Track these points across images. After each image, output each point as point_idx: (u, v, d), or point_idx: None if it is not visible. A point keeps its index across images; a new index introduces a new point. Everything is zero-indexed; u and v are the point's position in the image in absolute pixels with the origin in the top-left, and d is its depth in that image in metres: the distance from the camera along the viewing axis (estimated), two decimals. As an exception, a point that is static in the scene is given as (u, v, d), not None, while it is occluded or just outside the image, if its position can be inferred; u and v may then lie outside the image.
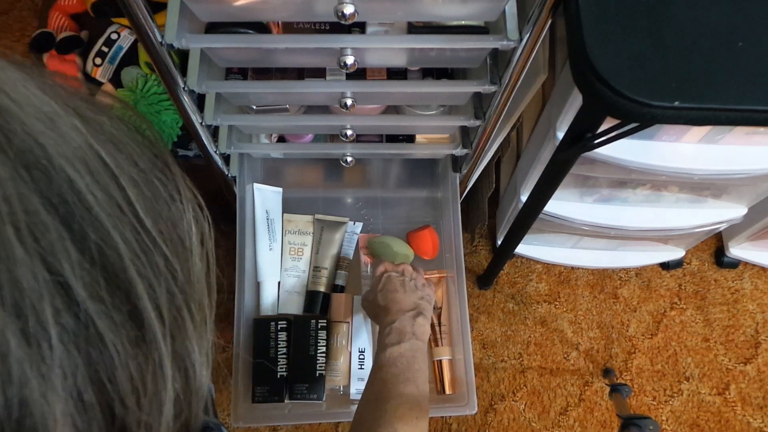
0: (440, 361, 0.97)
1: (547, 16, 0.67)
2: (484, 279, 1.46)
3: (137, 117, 0.29)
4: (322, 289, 1.01)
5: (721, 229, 1.29)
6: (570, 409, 1.39)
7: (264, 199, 1.05)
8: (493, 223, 1.50)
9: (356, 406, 0.71)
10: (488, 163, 1.20)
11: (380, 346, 0.75)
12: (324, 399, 0.94)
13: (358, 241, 1.06)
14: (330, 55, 0.73)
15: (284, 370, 0.94)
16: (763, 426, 1.38)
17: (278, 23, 0.80)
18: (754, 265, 1.52)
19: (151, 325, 0.24)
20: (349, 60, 0.71)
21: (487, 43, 0.72)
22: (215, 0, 0.66)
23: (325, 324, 0.96)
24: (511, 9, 0.71)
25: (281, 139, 1.06)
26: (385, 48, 0.76)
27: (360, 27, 0.79)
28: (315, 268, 1.02)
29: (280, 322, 0.95)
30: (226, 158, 1.02)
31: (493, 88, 0.79)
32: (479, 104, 0.89)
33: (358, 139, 0.95)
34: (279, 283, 1.02)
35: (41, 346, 0.20)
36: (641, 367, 1.43)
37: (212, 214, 0.31)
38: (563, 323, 1.46)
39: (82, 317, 0.21)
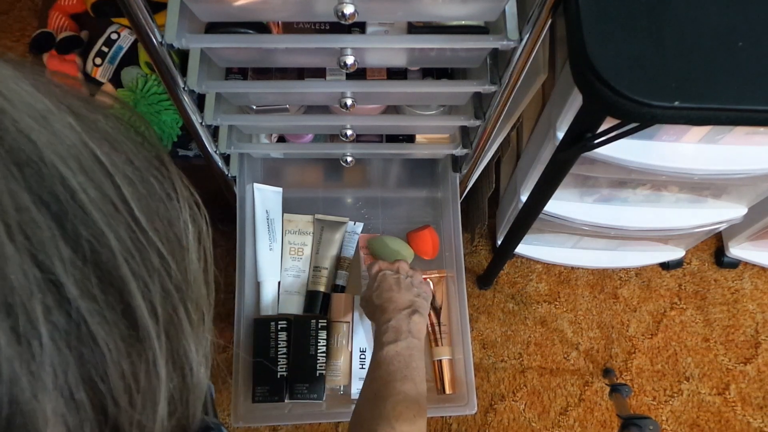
0: (440, 360, 0.97)
1: (547, 16, 0.67)
2: (484, 279, 1.46)
3: (134, 116, 0.29)
4: (322, 289, 1.01)
5: (721, 229, 1.29)
6: (570, 409, 1.39)
7: (264, 199, 1.05)
8: (493, 223, 1.50)
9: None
10: (488, 163, 1.20)
11: (377, 344, 0.76)
12: (324, 399, 0.94)
13: (358, 241, 1.06)
14: (330, 55, 0.73)
15: (284, 370, 0.94)
16: (763, 426, 1.38)
17: (278, 23, 0.80)
18: (754, 265, 1.52)
19: (144, 323, 0.24)
20: (349, 60, 0.71)
21: (487, 43, 0.72)
22: (215, 0, 0.66)
23: (325, 324, 0.96)
24: (511, 9, 0.71)
25: (281, 139, 1.06)
26: (385, 48, 0.76)
27: (360, 27, 0.79)
28: (315, 268, 1.02)
29: (280, 322, 0.95)
30: (226, 158, 1.02)
31: (493, 88, 0.79)
32: (479, 104, 0.89)
33: (358, 139, 0.94)
34: (279, 283, 1.02)
35: (31, 344, 0.20)
36: (641, 367, 1.43)
37: (211, 213, 0.31)
38: (563, 323, 1.47)
39: (73, 315, 0.21)
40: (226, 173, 1.02)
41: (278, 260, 1.02)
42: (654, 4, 0.67)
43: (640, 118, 0.65)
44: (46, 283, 0.21)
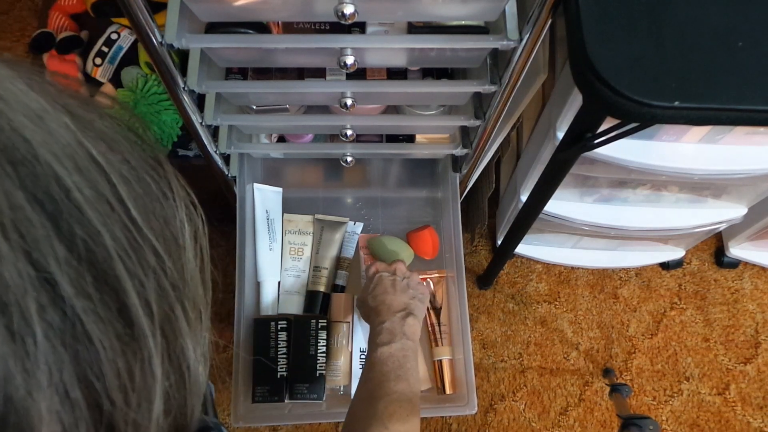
0: (440, 361, 0.97)
1: (547, 16, 0.67)
2: (484, 279, 1.46)
3: (131, 116, 0.29)
4: (322, 289, 1.01)
5: (721, 229, 1.29)
6: (570, 409, 1.39)
7: (264, 199, 1.05)
8: (493, 223, 1.50)
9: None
10: (488, 163, 1.20)
11: (371, 346, 0.76)
12: (324, 399, 0.94)
13: (358, 241, 1.06)
14: (330, 55, 0.73)
15: (284, 370, 0.94)
16: (763, 426, 1.38)
17: (278, 23, 0.80)
18: (754, 265, 1.52)
19: (139, 322, 0.24)
20: (349, 60, 0.71)
21: (487, 43, 0.72)
22: (215, 0, 0.66)
23: (325, 324, 0.96)
24: (511, 9, 0.71)
25: (281, 139, 1.06)
26: (385, 48, 0.76)
27: (360, 27, 0.79)
28: (315, 268, 1.02)
29: (280, 322, 0.95)
30: (226, 158, 1.02)
31: (493, 88, 0.79)
32: (479, 104, 0.89)
33: (358, 139, 0.95)
34: (279, 283, 1.02)
35: (26, 342, 0.20)
36: (641, 367, 1.43)
37: (209, 213, 0.31)
38: (563, 323, 1.47)
39: (68, 313, 0.21)
40: (226, 173, 1.02)
41: (278, 260, 1.02)
42: (654, 5, 0.67)
43: (640, 118, 0.65)
44: (40, 282, 0.21)
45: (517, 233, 1.14)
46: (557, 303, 1.48)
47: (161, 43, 0.67)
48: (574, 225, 1.18)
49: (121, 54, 1.06)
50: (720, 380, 1.42)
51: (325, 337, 0.95)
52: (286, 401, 0.93)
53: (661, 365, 1.44)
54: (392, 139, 1.02)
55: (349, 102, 0.81)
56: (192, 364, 0.27)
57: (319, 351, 0.94)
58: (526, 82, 0.89)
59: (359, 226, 1.07)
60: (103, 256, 0.23)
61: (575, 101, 0.88)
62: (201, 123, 0.85)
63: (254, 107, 0.92)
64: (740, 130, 0.89)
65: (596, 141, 0.74)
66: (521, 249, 1.43)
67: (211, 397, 0.65)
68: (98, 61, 1.06)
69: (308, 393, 0.93)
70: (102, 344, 0.22)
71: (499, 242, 1.35)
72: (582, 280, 1.50)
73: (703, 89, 0.63)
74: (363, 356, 0.98)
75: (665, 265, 1.52)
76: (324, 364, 0.94)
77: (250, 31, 0.73)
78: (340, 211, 1.07)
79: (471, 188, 1.26)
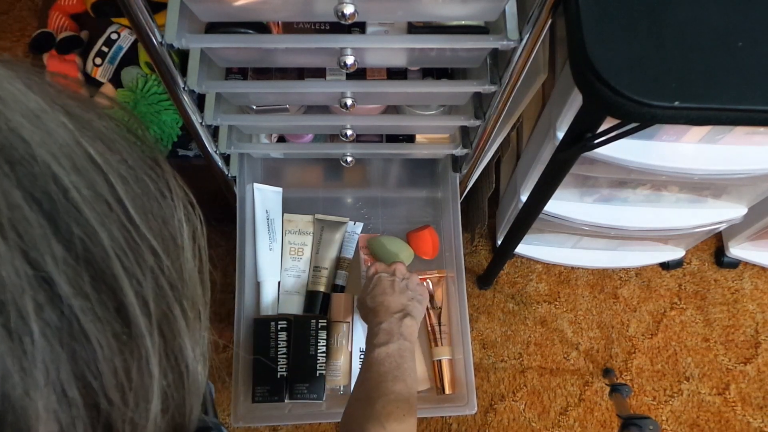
0: (440, 361, 0.97)
1: (547, 16, 0.67)
2: (484, 279, 1.46)
3: (130, 116, 0.29)
4: (322, 289, 1.01)
5: (721, 229, 1.29)
6: (570, 409, 1.39)
7: (264, 199, 1.05)
8: (493, 223, 1.50)
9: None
10: (488, 163, 1.20)
11: (369, 346, 0.76)
12: (324, 399, 0.94)
13: (358, 241, 1.06)
14: (330, 55, 0.73)
15: (284, 370, 0.94)
16: (763, 426, 1.38)
17: (278, 23, 0.80)
18: (754, 265, 1.52)
19: (137, 321, 0.24)
20: (349, 60, 0.71)
21: (487, 43, 0.72)
22: (215, 0, 0.66)
23: (325, 324, 0.96)
24: (511, 9, 0.71)
25: (281, 139, 1.06)
26: (385, 48, 0.76)
27: (360, 27, 0.79)
28: (315, 268, 1.02)
29: (280, 322, 0.95)
30: (226, 158, 1.02)
31: (493, 88, 0.79)
32: (479, 104, 0.89)
33: (358, 139, 0.95)
34: (279, 283, 1.02)
35: (23, 340, 0.20)
36: (641, 367, 1.43)
37: (209, 212, 0.31)
38: (563, 323, 1.47)
39: (66, 312, 0.21)
40: (226, 173, 1.02)
41: (278, 260, 1.02)
42: (654, 5, 0.67)
43: (640, 118, 0.65)
44: (37, 281, 0.21)
45: (517, 233, 1.14)
46: (557, 303, 1.48)
47: (161, 43, 0.67)
48: (574, 225, 1.18)
49: (121, 54, 1.06)
50: (720, 380, 1.42)
51: (325, 337, 0.95)
52: (286, 401, 0.93)
53: (661, 365, 1.44)
54: (392, 139, 1.02)
55: (349, 102, 0.81)
56: (190, 364, 0.27)
57: (319, 351, 0.94)
58: (526, 82, 0.89)
59: (359, 226, 1.07)
60: (100, 255, 0.23)
61: (575, 101, 0.88)
62: (201, 123, 0.85)
63: (254, 107, 0.92)
64: (740, 130, 0.89)
65: (596, 141, 0.74)
66: (521, 249, 1.43)
67: (211, 397, 0.65)
68: (98, 61, 1.06)
69: (308, 393, 0.93)
70: (99, 343, 0.22)
71: (499, 242, 1.35)
72: (582, 280, 1.50)
73: (703, 89, 0.63)
74: (363, 356, 0.98)
75: (665, 265, 1.52)
76: (324, 364, 0.94)
77: (250, 31, 0.73)
78: (340, 211, 1.07)
79: (471, 188, 1.26)
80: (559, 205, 1.14)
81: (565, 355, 1.44)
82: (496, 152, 1.20)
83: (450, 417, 1.35)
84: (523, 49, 0.71)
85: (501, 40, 0.70)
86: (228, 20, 0.72)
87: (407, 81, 0.91)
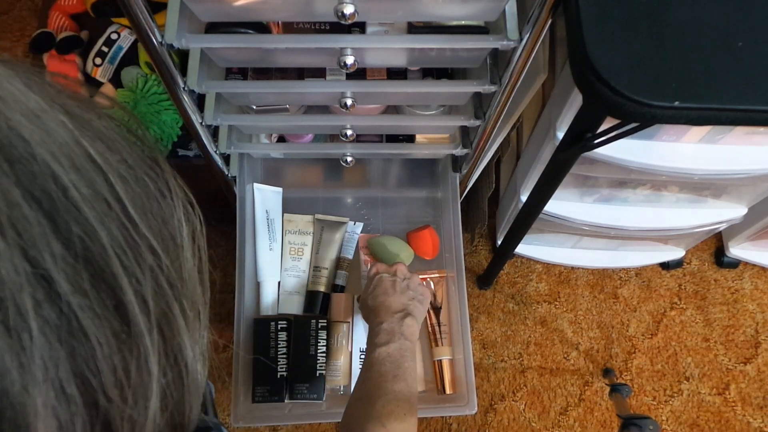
0: (440, 361, 0.97)
1: (547, 16, 0.67)
2: (484, 279, 1.46)
3: (129, 115, 0.29)
4: (322, 289, 1.01)
5: (721, 229, 1.29)
6: (570, 409, 1.39)
7: (264, 199, 1.05)
8: (493, 223, 1.50)
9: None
10: (488, 163, 1.20)
11: (369, 346, 0.76)
12: (324, 399, 0.94)
13: (358, 241, 1.06)
14: (330, 55, 0.73)
15: (284, 370, 0.94)
16: (763, 426, 1.38)
17: (278, 23, 0.80)
18: (754, 265, 1.52)
19: (135, 319, 0.24)
20: (349, 60, 0.71)
21: (487, 43, 0.72)
22: (215, 0, 0.66)
23: (325, 324, 0.96)
24: (511, 9, 0.71)
25: (281, 139, 1.06)
26: (385, 48, 0.76)
27: (360, 27, 0.79)
28: (315, 268, 1.02)
29: (280, 322, 0.95)
30: (226, 158, 1.02)
31: (493, 88, 0.79)
32: (479, 104, 0.89)
33: (358, 139, 0.95)
34: (279, 283, 1.02)
35: (22, 337, 0.20)
36: (641, 367, 1.43)
37: (211, 213, 0.31)
38: (563, 323, 1.47)
39: (64, 310, 0.21)
40: (226, 173, 1.02)
41: (278, 260, 1.02)
42: (654, 5, 0.67)
43: (640, 118, 0.65)
44: (36, 278, 0.21)
45: (517, 233, 1.14)
46: (557, 303, 1.48)
47: (161, 43, 0.67)
48: (574, 225, 1.18)
49: (121, 54, 1.06)
50: (720, 380, 1.42)
51: (325, 337, 0.95)
52: (286, 401, 0.93)
53: (661, 365, 1.44)
54: (392, 139, 1.02)
55: (349, 102, 0.81)
56: (190, 363, 0.27)
57: (319, 351, 0.94)
58: (526, 82, 0.89)
59: (359, 226, 1.07)
60: (99, 253, 0.23)
61: (575, 101, 0.88)
62: (201, 123, 0.85)
63: (254, 107, 0.92)
64: (740, 130, 0.89)
65: (596, 141, 0.74)
66: (521, 249, 1.43)
67: (211, 396, 0.65)
68: (98, 61, 1.06)
69: (308, 393, 0.93)
70: (98, 341, 0.22)
71: (499, 242, 1.35)
72: (582, 280, 1.50)
73: (703, 89, 0.63)
74: (363, 356, 0.98)
75: (665, 265, 1.52)
76: (324, 364, 0.94)
77: (250, 31, 0.73)
78: (340, 211, 1.07)
79: (471, 188, 1.26)
80: (559, 205, 1.14)
81: (565, 355, 1.44)
82: (496, 152, 1.20)
83: (450, 417, 1.35)
84: (523, 49, 0.71)
85: (501, 40, 0.70)
86: (228, 20, 0.72)
87: (407, 81, 0.91)
